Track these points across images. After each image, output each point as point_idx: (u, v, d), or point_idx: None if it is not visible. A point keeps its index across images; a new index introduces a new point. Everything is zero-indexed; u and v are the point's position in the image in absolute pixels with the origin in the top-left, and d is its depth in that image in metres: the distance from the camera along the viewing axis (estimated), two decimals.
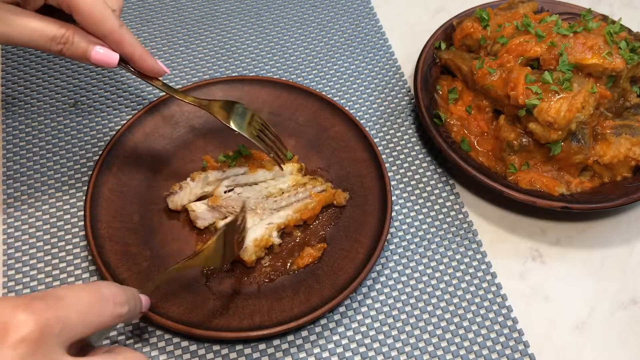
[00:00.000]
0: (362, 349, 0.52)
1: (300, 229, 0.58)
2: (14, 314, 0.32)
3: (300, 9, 0.81)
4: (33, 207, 0.60)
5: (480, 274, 0.57)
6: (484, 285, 0.56)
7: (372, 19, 0.80)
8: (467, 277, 0.57)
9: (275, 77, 0.72)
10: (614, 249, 0.60)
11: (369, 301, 0.55)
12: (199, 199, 0.58)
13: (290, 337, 0.52)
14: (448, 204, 0.62)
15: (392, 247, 0.59)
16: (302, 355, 0.52)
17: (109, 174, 0.58)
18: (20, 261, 0.56)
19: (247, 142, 0.57)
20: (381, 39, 0.78)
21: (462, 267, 0.57)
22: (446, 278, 0.56)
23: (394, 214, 0.61)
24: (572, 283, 0.57)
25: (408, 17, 0.81)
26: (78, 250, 0.57)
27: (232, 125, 0.55)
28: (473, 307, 0.55)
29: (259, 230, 0.55)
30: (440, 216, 0.61)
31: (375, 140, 0.67)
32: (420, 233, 0.60)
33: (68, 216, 0.59)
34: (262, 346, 0.52)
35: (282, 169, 0.59)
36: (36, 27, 0.46)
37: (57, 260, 0.56)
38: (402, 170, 0.65)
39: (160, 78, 0.54)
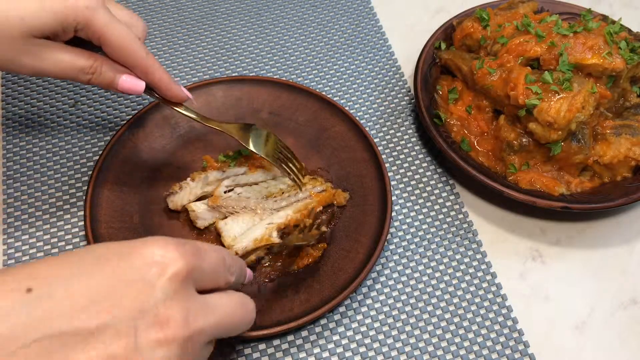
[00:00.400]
0: (362, 349, 0.52)
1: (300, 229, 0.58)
2: (169, 251, 0.36)
3: (300, 9, 0.81)
4: (33, 207, 0.60)
5: (480, 274, 0.57)
6: (484, 285, 0.56)
7: (372, 19, 0.80)
8: (467, 277, 0.57)
9: (275, 77, 0.72)
10: (614, 249, 0.60)
11: (369, 301, 0.55)
12: (199, 199, 0.58)
13: (290, 337, 0.52)
14: (448, 204, 0.62)
15: (392, 247, 0.59)
16: (302, 355, 0.52)
17: (108, 174, 0.58)
18: (20, 261, 0.56)
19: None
20: (381, 39, 0.78)
21: (462, 267, 0.57)
22: (446, 278, 0.56)
23: (394, 214, 0.61)
24: (572, 283, 0.57)
25: (408, 17, 0.81)
26: None
27: (252, 148, 0.56)
28: (473, 307, 0.55)
29: (259, 230, 0.55)
30: (440, 216, 0.61)
31: (375, 140, 0.67)
32: (420, 233, 0.60)
33: (68, 216, 0.59)
34: (262, 346, 0.52)
35: (301, 189, 0.59)
36: (66, 60, 0.47)
37: None
38: (402, 170, 0.65)
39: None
